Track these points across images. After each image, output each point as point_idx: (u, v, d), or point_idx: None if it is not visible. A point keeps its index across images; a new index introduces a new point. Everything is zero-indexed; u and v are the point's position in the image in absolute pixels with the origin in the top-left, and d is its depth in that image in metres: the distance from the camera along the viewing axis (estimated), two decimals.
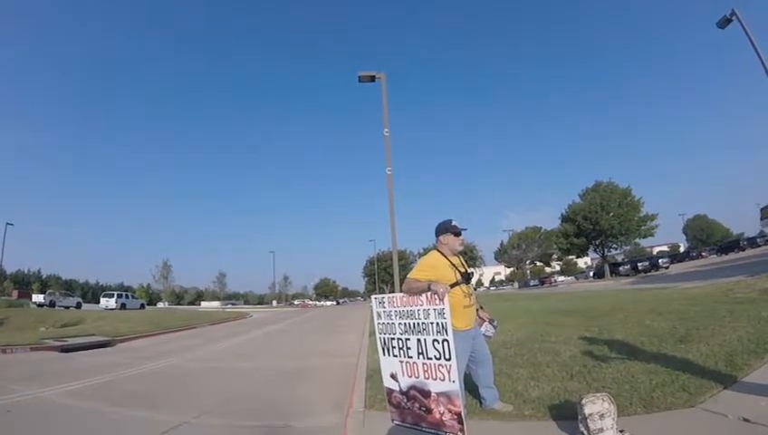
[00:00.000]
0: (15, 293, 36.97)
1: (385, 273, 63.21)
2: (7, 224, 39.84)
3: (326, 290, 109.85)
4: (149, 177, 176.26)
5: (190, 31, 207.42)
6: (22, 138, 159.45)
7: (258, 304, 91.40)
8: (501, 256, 75.26)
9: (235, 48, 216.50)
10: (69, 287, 72.25)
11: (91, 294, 79.78)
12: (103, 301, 32.73)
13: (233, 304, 77.97)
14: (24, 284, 68.93)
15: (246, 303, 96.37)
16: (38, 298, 31.84)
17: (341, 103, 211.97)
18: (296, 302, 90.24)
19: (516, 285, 67.80)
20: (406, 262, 56.46)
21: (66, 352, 10.77)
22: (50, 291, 37.47)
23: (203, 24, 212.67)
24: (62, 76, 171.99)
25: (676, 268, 35.16)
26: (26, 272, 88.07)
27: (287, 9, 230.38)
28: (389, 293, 4.36)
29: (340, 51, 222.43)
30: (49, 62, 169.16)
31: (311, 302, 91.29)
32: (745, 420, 2.66)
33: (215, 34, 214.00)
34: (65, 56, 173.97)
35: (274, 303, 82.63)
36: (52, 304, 30.04)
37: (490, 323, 3.73)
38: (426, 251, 3.87)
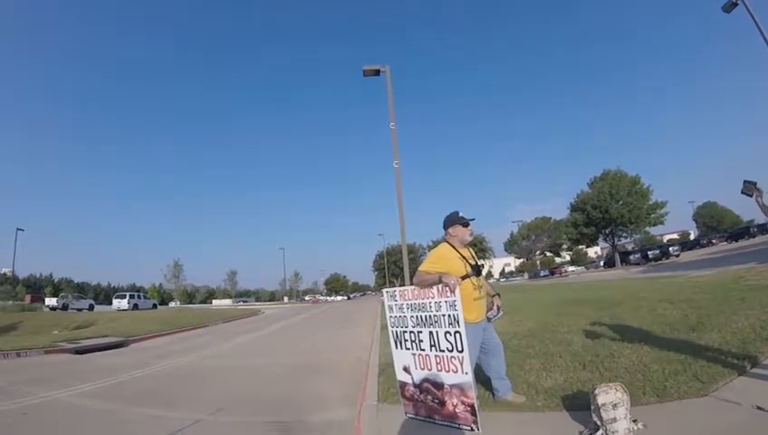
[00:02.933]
0: (28, 297, 37.36)
1: (395, 266, 63.28)
2: (18, 229, 40.38)
3: (337, 285, 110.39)
4: (158, 177, 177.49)
5: (195, 28, 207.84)
6: (30, 141, 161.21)
7: (269, 300, 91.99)
8: (510, 247, 74.95)
9: (240, 45, 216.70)
10: (81, 290, 72.97)
11: (104, 295, 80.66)
12: (116, 302, 33.03)
13: (244, 302, 78.72)
14: (37, 288, 69.48)
15: (258, 300, 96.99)
16: (51, 302, 32.20)
17: (348, 98, 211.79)
18: (307, 298, 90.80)
19: (526, 275, 67.51)
20: (415, 255, 56.49)
21: (80, 353, 10.86)
22: (62, 294, 37.81)
23: (206, 22, 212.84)
24: (68, 77, 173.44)
25: (687, 256, 34.81)
26: (38, 276, 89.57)
27: (288, 7, 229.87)
28: (400, 286, 4.36)
29: (348, 46, 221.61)
30: (59, 63, 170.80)
31: (321, 297, 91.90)
32: (759, 408, 2.64)
33: (218, 33, 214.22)
34: (73, 57, 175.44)
35: (286, 299, 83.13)
36: (64, 307, 30.45)
37: (497, 310, 3.73)
38: (435, 244, 3.84)
